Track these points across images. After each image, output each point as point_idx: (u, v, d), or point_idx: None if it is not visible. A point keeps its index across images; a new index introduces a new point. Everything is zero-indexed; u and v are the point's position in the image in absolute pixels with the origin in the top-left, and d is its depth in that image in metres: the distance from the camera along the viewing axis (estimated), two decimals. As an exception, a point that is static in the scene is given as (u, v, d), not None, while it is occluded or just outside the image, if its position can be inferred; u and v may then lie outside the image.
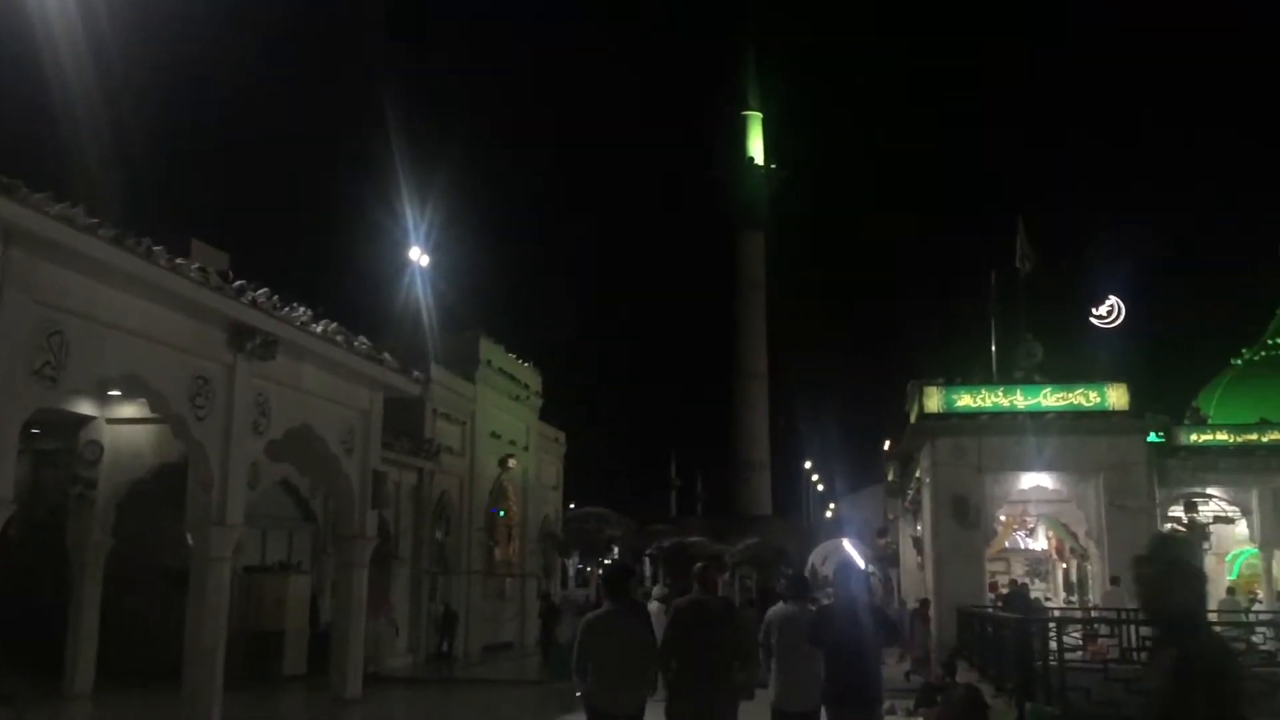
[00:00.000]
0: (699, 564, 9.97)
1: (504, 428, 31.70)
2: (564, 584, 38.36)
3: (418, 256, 30.01)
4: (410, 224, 30.05)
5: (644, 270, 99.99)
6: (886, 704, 17.05)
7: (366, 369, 17.98)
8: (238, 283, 14.04)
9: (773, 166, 62.36)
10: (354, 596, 18.09)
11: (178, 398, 13.53)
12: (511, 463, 30.94)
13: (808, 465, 61.54)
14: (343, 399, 17.83)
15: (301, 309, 15.76)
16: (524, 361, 34.13)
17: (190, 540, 14.13)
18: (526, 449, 33.45)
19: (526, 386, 34.00)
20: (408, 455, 25.38)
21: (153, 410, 14.10)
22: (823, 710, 9.00)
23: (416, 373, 20.56)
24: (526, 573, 33.07)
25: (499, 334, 32.57)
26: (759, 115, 62.79)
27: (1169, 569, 3.75)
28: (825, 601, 11.12)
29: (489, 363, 30.98)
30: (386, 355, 18.61)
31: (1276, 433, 25.82)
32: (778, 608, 9.84)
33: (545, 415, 36.23)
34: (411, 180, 31.53)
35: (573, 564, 39.20)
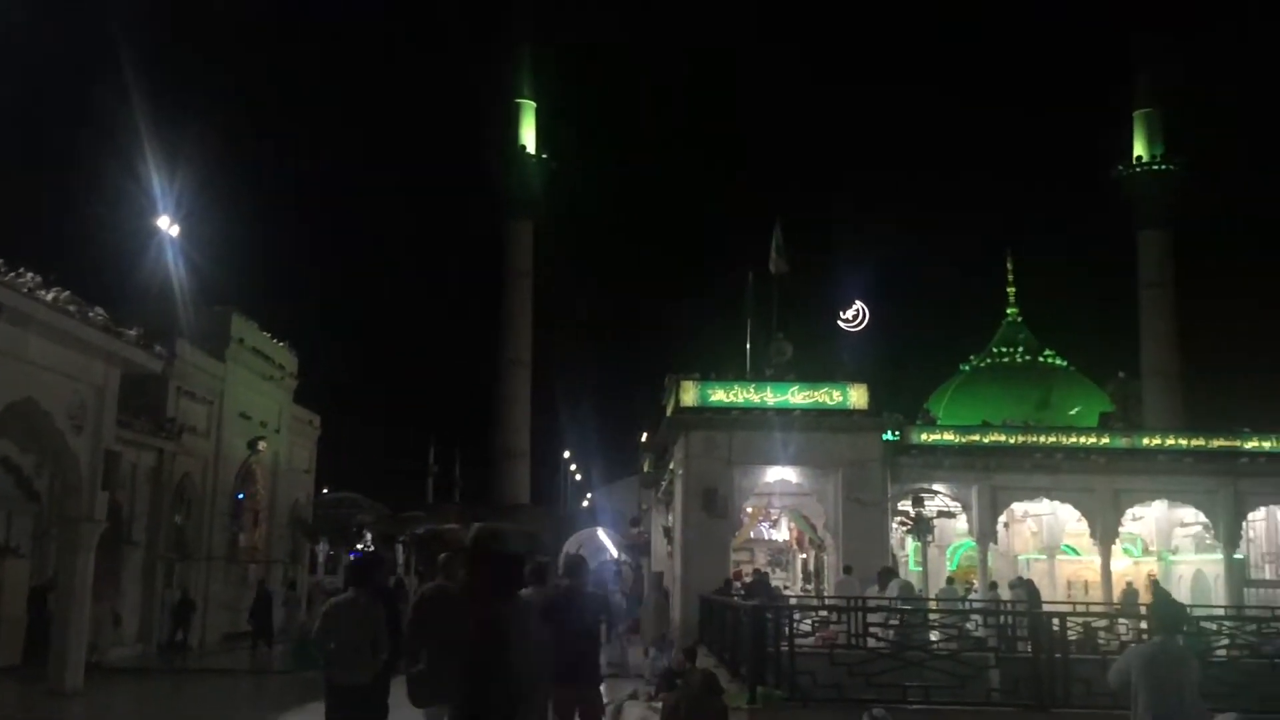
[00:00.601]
0: (444, 554, 10.72)
1: (255, 409, 30.52)
2: (313, 570, 37.31)
3: (166, 225, 28.38)
4: (158, 190, 28.33)
5: (410, 255, 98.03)
6: (630, 689, 17.52)
7: (101, 342, 16.92)
8: (-45, 243, 12.94)
9: (544, 156, 62.39)
10: (78, 583, 17.02)
11: (-121, 365, 12.36)
12: (261, 445, 29.87)
13: (567, 455, 62.14)
14: (74, 373, 16.73)
15: (30, 275, 14.68)
16: (280, 341, 32.95)
17: (-111, 521, 12.94)
18: (278, 431, 32.33)
19: (281, 367, 32.85)
20: (147, 434, 24.12)
21: None
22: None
23: (159, 348, 19.53)
24: (273, 559, 32.00)
25: (255, 312, 31.33)
26: (532, 104, 62.68)
27: (489, 551, 4.49)
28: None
29: (241, 341, 29.75)
30: (125, 329, 17.58)
31: (996, 434, 27.92)
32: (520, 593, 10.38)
33: (300, 397, 35.12)
34: (160, 145, 29.63)
35: (322, 550, 38.13)
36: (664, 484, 31.58)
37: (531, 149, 61.90)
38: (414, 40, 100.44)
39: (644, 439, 39.25)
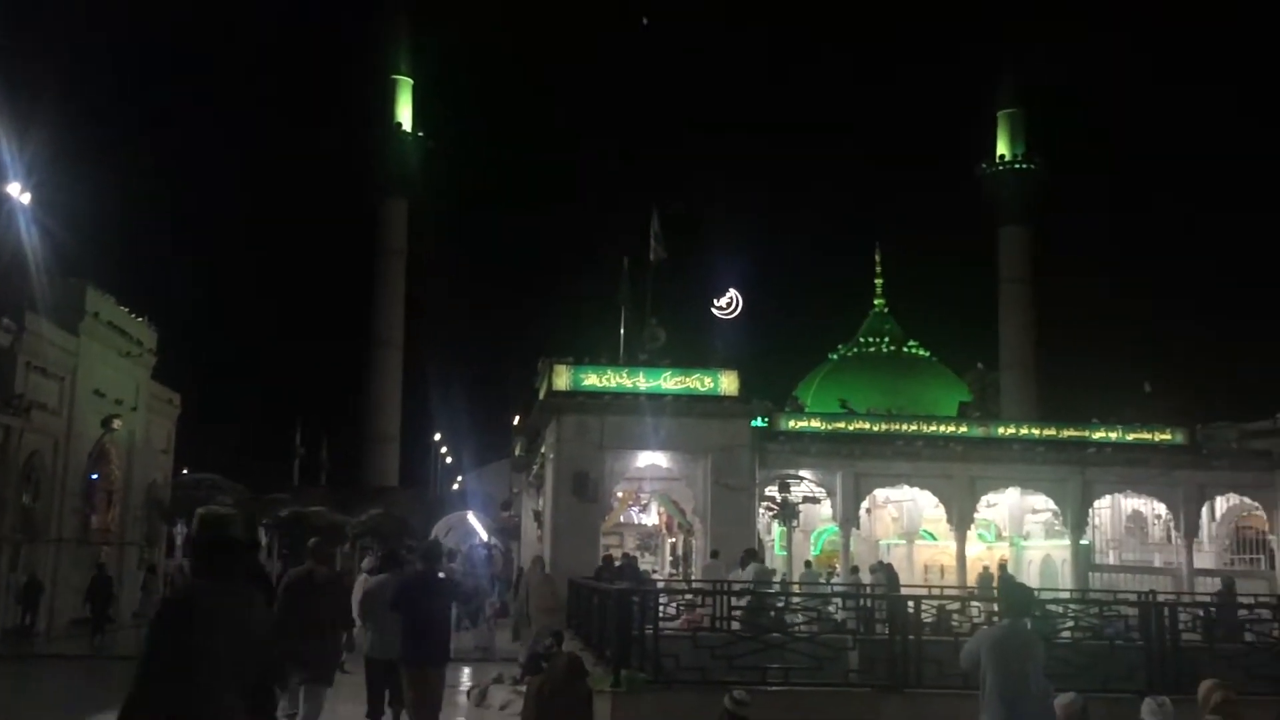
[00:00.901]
0: (313, 539, 11.63)
1: (110, 385, 29.37)
2: (170, 553, 36.13)
3: (17, 192, 27.00)
4: (7, 156, 26.90)
5: (279, 231, 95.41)
6: (496, 672, 17.48)
7: (-56, 313, 16.10)
8: None
9: (420, 134, 61.48)
10: (-85, 566, 16.20)
11: None
12: (116, 423, 28.77)
13: (437, 437, 61.43)
14: (-88, 345, 15.88)
15: None
16: (138, 316, 31.75)
17: None
18: (135, 409, 31.18)
19: (139, 343, 31.66)
20: (-8, 411, 23.03)
21: None
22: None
23: (6, 320, 18.68)
24: (127, 541, 30.92)
25: (112, 285, 30.11)
26: (410, 81, 61.66)
27: (202, 534, 4.74)
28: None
29: (96, 315, 28.55)
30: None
31: (860, 423, 28.62)
32: (375, 578, 11.39)
33: (160, 375, 33.94)
34: (9, 108, 28.12)
35: (180, 532, 36.95)
36: (535, 468, 31.52)
37: (408, 126, 60.97)
38: (289, 7, 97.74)
39: (516, 422, 39.10)
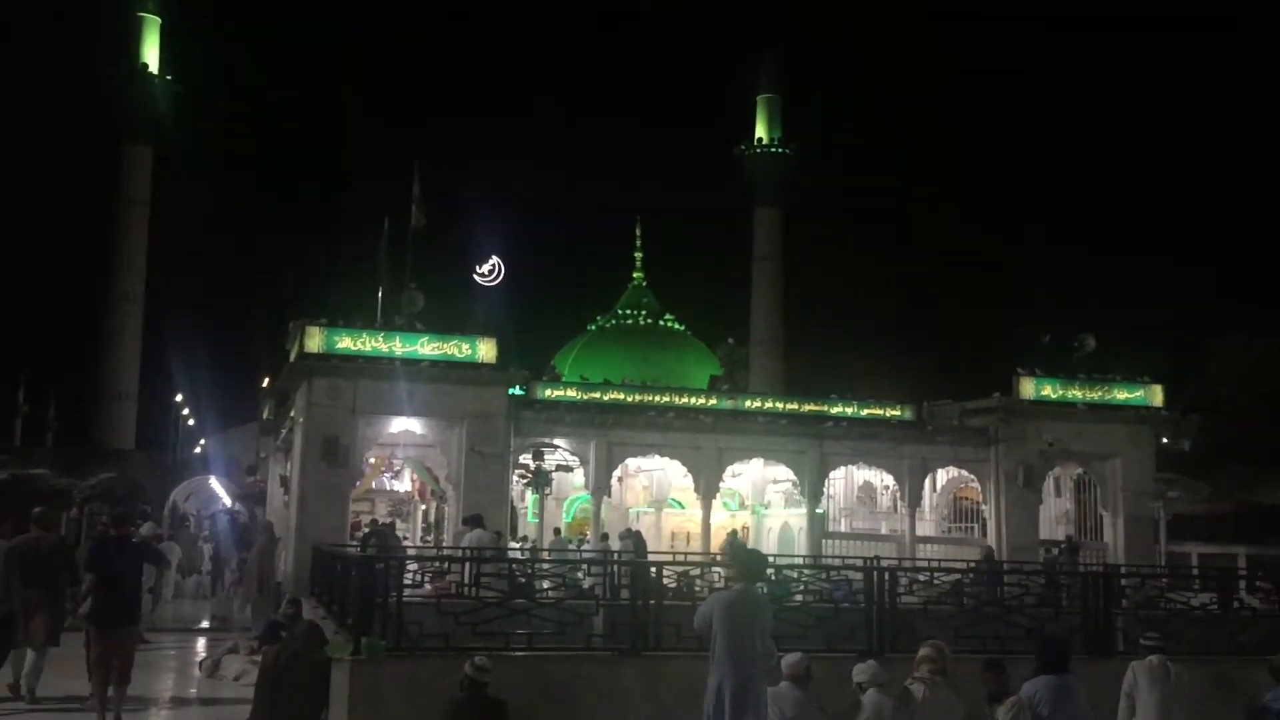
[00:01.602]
0: (38, 509, 12.07)
1: None
2: None
3: None
4: None
5: (4, 170, 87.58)
6: (230, 641, 16.94)
7: None
8: None
9: (169, 78, 57.97)
10: None
11: None
12: None
13: (179, 398, 58.53)
14: None
15: None
16: None
17: None
18: None
19: None
20: None
21: None
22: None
23: None
24: None
25: None
26: (157, 20, 57.93)
27: None
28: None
29: None
30: None
31: (615, 393, 29.15)
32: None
33: None
34: None
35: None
36: (284, 432, 30.59)
37: (155, 68, 57.36)
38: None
39: (265, 384, 37.78)
